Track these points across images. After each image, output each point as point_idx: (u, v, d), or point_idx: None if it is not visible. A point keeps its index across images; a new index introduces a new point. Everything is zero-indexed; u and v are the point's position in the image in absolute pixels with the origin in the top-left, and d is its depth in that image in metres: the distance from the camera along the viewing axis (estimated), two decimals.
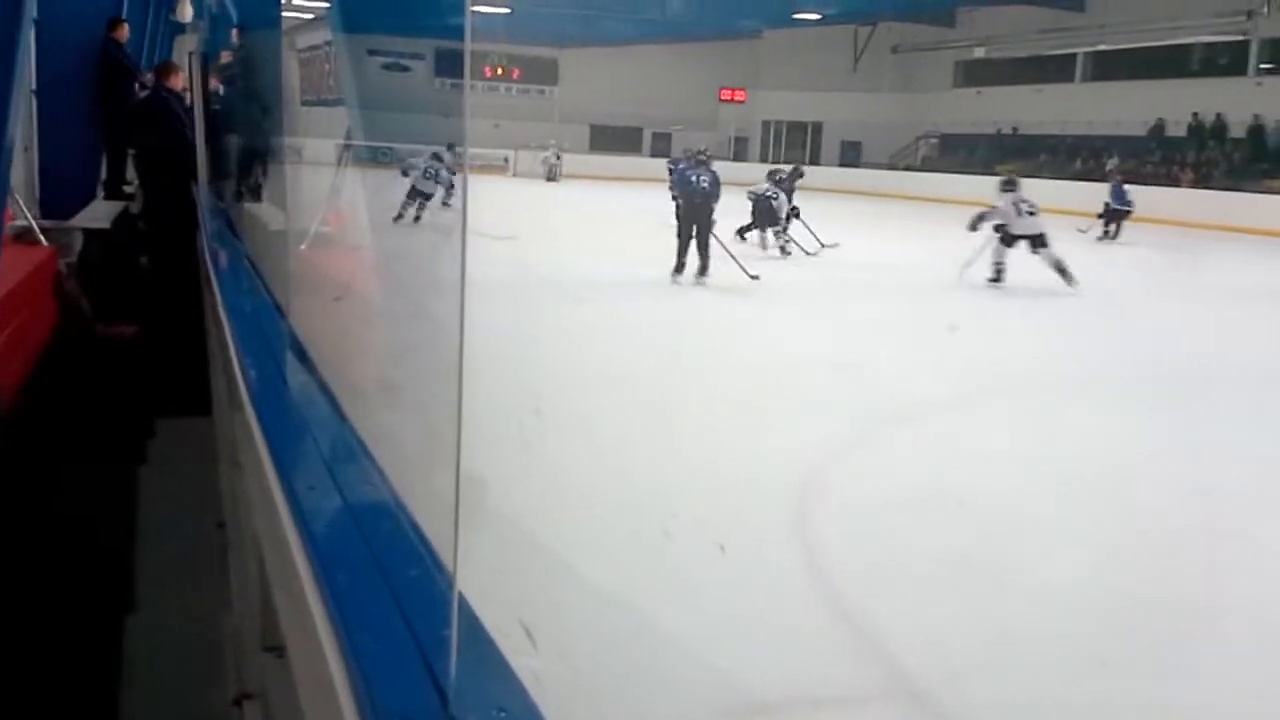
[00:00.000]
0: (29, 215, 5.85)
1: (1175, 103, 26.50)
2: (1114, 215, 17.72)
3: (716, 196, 10.70)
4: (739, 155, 35.96)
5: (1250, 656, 3.32)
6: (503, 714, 0.93)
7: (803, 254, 13.53)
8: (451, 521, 1.03)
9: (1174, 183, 24.51)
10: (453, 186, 13.27)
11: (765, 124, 37.84)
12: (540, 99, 36.53)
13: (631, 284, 10.73)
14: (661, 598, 3.33)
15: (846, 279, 12.37)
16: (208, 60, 7.31)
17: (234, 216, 5.09)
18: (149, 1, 11.15)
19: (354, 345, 2.42)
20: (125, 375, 5.06)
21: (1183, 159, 25.81)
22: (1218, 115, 25.79)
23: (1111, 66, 29.34)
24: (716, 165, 11.65)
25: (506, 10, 27.17)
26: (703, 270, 10.68)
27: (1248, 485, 5.00)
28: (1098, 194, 18.58)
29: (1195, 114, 26.33)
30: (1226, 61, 26.51)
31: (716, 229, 10.88)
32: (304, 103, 3.44)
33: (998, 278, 11.37)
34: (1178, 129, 26.82)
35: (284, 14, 3.18)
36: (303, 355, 2.21)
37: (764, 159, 34.06)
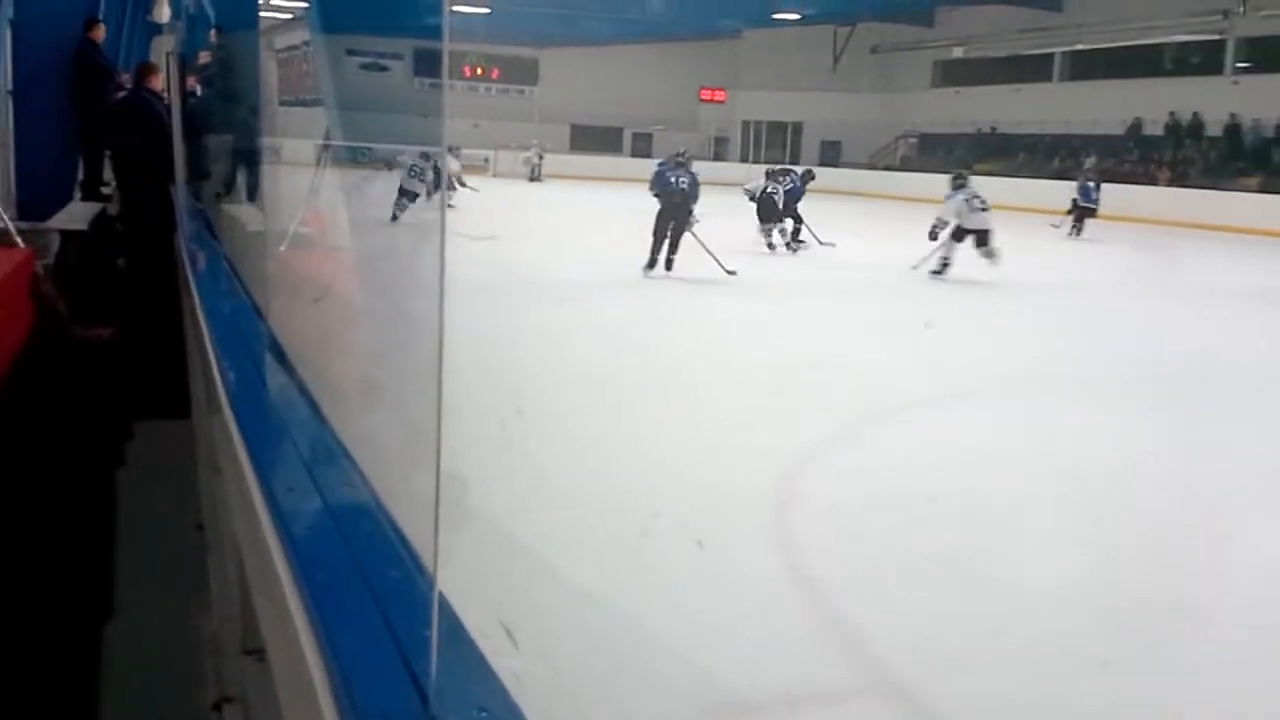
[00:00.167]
0: (5, 217, 5.80)
1: (1152, 102, 26.78)
2: (1081, 212, 18.43)
3: (695, 197, 11.13)
4: (719, 155, 36.06)
5: (1245, 657, 3.32)
6: (484, 714, 0.93)
7: (807, 252, 14.17)
8: (432, 522, 1.03)
9: (1151, 181, 24.83)
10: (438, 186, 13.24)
11: (745, 124, 37.87)
12: (520, 99, 36.45)
13: (613, 284, 10.73)
14: (643, 597, 3.32)
15: (831, 278, 12.46)
16: (185, 61, 7.28)
17: (212, 217, 5.07)
18: (125, 2, 11.07)
19: (334, 346, 2.41)
20: (103, 378, 5.02)
21: (1160, 158, 26.06)
22: (1194, 114, 26.04)
23: (1089, 66, 29.58)
24: (697, 165, 11.94)
25: (486, 10, 27.12)
26: (669, 265, 11.08)
27: (1245, 485, 5.02)
28: (1074, 192, 18.96)
29: (1172, 113, 26.60)
30: (1203, 61, 26.73)
31: (697, 228, 11.16)
32: (282, 103, 3.42)
33: (942, 270, 11.78)
34: (1155, 128, 27.10)
35: (262, 14, 3.17)
36: (282, 357, 2.20)
37: (744, 159, 34.15)
